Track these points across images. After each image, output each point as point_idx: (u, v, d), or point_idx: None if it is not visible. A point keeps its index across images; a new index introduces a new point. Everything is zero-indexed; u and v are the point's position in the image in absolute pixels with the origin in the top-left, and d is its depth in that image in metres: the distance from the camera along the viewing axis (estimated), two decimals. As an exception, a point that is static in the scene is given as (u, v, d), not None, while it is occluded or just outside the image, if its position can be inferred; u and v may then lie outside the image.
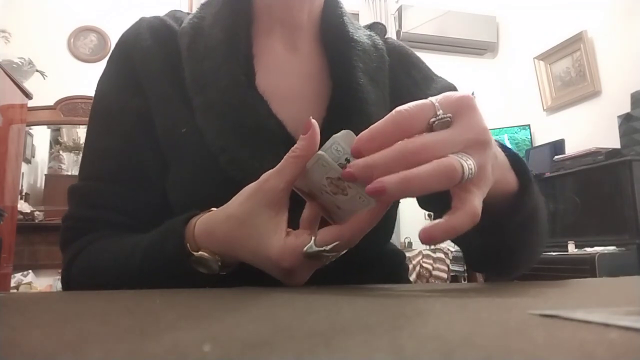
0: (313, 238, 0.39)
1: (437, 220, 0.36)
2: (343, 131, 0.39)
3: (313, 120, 0.40)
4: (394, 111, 0.36)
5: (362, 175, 0.34)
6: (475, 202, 0.36)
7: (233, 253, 0.43)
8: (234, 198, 0.43)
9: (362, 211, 0.39)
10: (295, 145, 0.40)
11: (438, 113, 0.36)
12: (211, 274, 0.44)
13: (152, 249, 0.47)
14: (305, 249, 0.39)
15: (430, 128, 0.36)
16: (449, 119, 0.36)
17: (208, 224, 0.44)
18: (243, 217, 0.41)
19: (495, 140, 0.44)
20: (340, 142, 0.38)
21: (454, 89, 0.70)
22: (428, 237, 0.35)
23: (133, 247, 0.49)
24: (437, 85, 0.69)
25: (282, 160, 0.40)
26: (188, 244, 0.44)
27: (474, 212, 0.36)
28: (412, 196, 0.36)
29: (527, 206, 0.46)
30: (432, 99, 0.37)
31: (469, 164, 0.35)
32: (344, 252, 0.41)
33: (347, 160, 0.38)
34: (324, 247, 0.38)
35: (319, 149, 0.40)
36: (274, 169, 0.41)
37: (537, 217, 0.50)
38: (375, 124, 0.35)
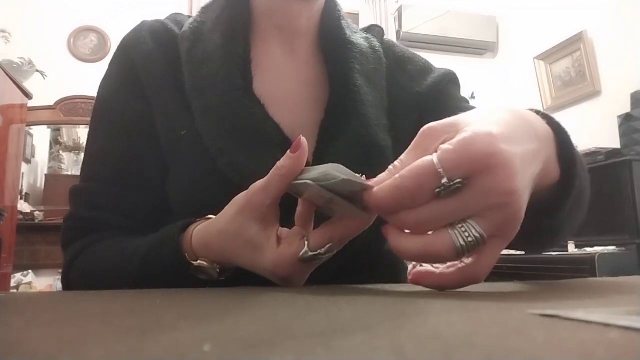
0: (306, 243, 0.39)
1: (429, 269, 0.35)
2: (334, 164, 0.37)
3: (303, 139, 0.40)
4: (393, 184, 0.32)
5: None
6: (483, 262, 0.33)
7: (230, 262, 0.44)
8: (225, 210, 0.43)
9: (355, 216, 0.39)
10: (281, 162, 0.40)
11: (443, 182, 0.31)
12: (211, 279, 0.44)
13: (150, 257, 0.47)
14: (300, 255, 0.39)
15: (438, 196, 0.32)
16: (458, 185, 0.31)
17: (204, 236, 0.45)
18: (234, 232, 0.42)
19: (543, 115, 0.40)
20: (332, 172, 0.36)
21: (452, 75, 0.69)
22: (414, 281, 0.36)
23: (131, 253, 0.49)
24: (434, 74, 0.68)
25: (268, 176, 0.40)
26: (187, 254, 0.45)
27: (472, 277, 0.34)
28: None
29: (572, 193, 0.43)
30: (435, 159, 0.32)
31: (470, 238, 0.32)
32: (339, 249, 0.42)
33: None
34: (318, 251, 0.38)
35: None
36: (261, 183, 0.41)
37: (583, 200, 0.47)
38: (377, 193, 0.33)
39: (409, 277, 0.37)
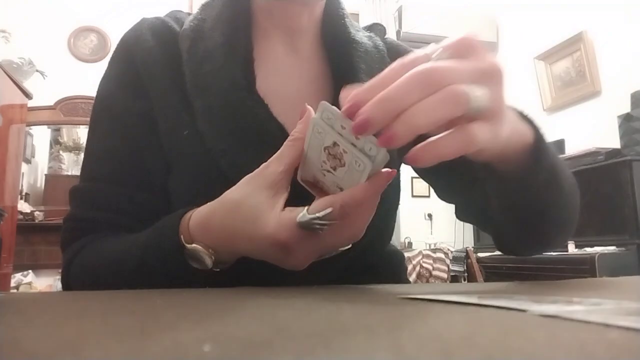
0: (306, 208, 0.39)
1: (424, 142, 0.34)
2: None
3: (308, 106, 0.42)
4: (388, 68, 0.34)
5: (378, 112, 0.32)
6: (475, 129, 0.34)
7: (228, 242, 0.43)
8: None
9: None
10: (293, 131, 0.42)
11: (432, 51, 0.35)
12: (204, 269, 0.43)
13: (149, 243, 0.47)
14: (297, 218, 0.38)
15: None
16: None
17: (204, 214, 0.44)
18: (240, 200, 0.41)
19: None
20: (329, 109, 0.38)
21: None
22: (412, 160, 0.34)
23: (131, 243, 0.49)
24: None
25: (281, 147, 0.42)
26: (182, 236, 0.44)
27: (467, 138, 0.33)
28: (421, 132, 0.33)
29: (547, 158, 0.45)
30: (427, 50, 0.36)
31: (476, 93, 0.33)
32: (346, 248, 0.41)
33: (342, 127, 0.37)
34: (316, 214, 0.38)
35: None
36: (274, 156, 0.42)
37: (559, 174, 0.48)
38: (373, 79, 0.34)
39: (406, 159, 0.35)
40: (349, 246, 0.42)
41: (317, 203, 0.39)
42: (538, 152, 0.44)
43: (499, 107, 0.36)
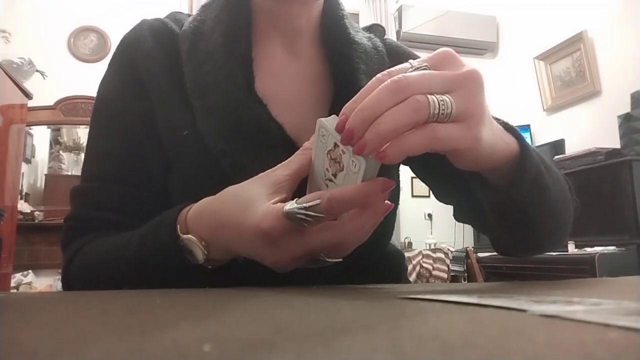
0: (296, 199, 0.39)
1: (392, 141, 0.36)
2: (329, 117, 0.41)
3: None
4: (373, 79, 0.37)
5: (356, 121, 0.35)
6: (440, 127, 0.36)
7: (218, 230, 0.43)
8: None
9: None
10: (305, 143, 0.44)
11: (412, 64, 0.38)
12: (196, 264, 0.44)
13: (147, 236, 0.47)
14: (285, 207, 0.38)
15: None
16: (426, 67, 0.38)
17: (203, 203, 0.45)
18: (239, 191, 0.43)
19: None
20: (332, 118, 0.40)
21: None
22: (381, 156, 0.36)
23: (129, 237, 0.49)
24: None
25: (291, 157, 0.43)
26: (179, 226, 0.45)
27: (431, 134, 0.35)
28: (387, 139, 0.35)
29: (532, 168, 0.46)
30: (411, 63, 0.39)
31: (440, 99, 0.35)
32: (335, 261, 0.41)
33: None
34: (302, 204, 0.37)
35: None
36: (283, 162, 0.43)
37: (547, 183, 0.49)
38: (358, 93, 0.37)
39: (377, 155, 0.36)
40: (339, 260, 0.41)
41: (307, 196, 0.39)
42: (523, 162, 0.45)
43: (471, 111, 0.37)
